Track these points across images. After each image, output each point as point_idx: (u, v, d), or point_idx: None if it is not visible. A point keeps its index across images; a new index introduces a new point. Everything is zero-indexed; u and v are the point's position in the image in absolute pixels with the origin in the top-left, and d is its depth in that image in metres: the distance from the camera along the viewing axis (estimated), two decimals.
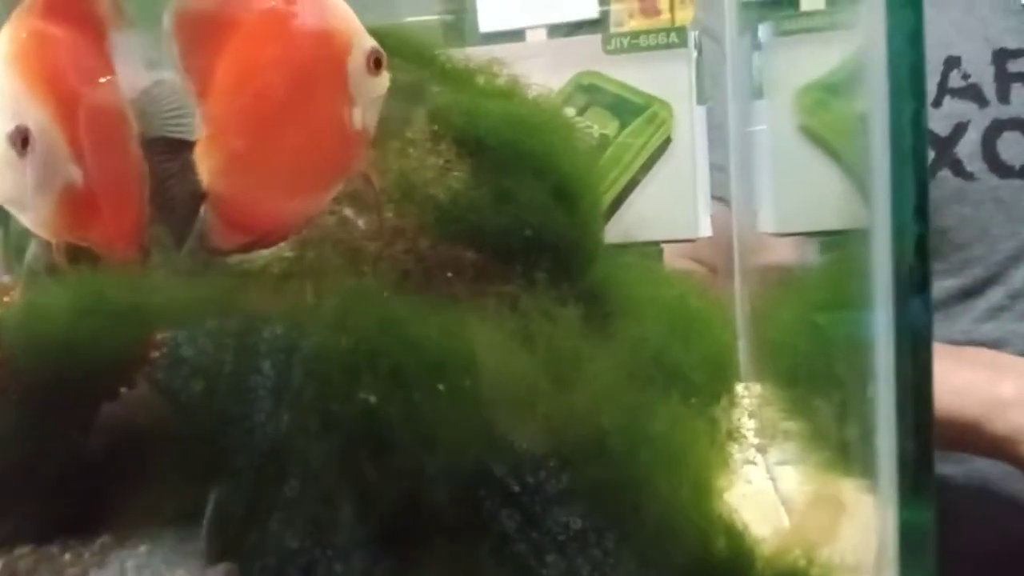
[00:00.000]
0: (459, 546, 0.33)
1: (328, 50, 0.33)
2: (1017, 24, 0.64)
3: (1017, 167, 0.63)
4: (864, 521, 0.28)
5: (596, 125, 0.55)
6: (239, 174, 0.33)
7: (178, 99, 0.35)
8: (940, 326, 0.64)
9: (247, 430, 0.34)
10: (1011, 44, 0.64)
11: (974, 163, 0.63)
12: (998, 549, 0.61)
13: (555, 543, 0.32)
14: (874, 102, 0.25)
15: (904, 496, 0.26)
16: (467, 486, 0.32)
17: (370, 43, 0.33)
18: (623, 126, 0.55)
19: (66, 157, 0.35)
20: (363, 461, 0.33)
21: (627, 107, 0.55)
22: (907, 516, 0.25)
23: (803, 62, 0.50)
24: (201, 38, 0.34)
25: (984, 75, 0.64)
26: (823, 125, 0.48)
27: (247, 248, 0.34)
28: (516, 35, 0.60)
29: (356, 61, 0.33)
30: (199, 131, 0.34)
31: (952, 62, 0.64)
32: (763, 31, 0.54)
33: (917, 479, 0.26)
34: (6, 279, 0.45)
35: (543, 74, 0.50)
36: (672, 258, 0.63)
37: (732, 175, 0.60)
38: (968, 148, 0.64)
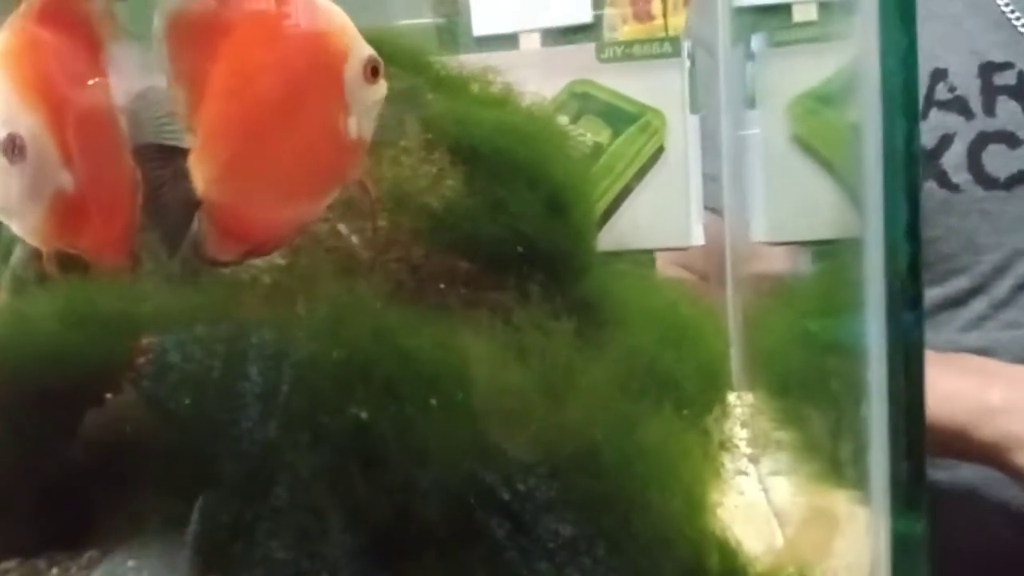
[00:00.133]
0: (450, 558, 0.33)
1: (323, 58, 0.33)
2: (1003, 38, 0.65)
3: (1002, 179, 0.64)
4: (857, 534, 0.28)
5: (589, 133, 0.55)
6: (234, 182, 0.33)
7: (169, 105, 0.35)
8: (925, 335, 0.65)
9: (234, 440, 0.33)
10: (997, 58, 0.65)
11: (960, 175, 0.64)
12: (985, 554, 0.61)
13: (547, 556, 0.31)
14: (867, 117, 0.25)
15: (897, 508, 0.26)
16: (458, 498, 0.32)
17: (367, 51, 0.33)
18: (616, 134, 0.55)
19: (57, 164, 0.35)
20: (352, 473, 0.32)
21: (620, 116, 0.55)
22: (900, 528, 0.25)
23: (796, 73, 0.50)
24: (193, 44, 0.34)
25: (970, 88, 0.65)
26: (815, 135, 0.48)
27: (243, 257, 0.34)
28: (510, 39, 0.60)
29: (352, 69, 0.33)
30: (188, 138, 0.33)
31: (939, 75, 0.65)
32: (756, 41, 0.54)
33: (910, 492, 0.26)
34: None
35: (537, 82, 0.50)
36: (664, 266, 0.63)
37: (725, 184, 0.60)
38: (954, 160, 0.64)
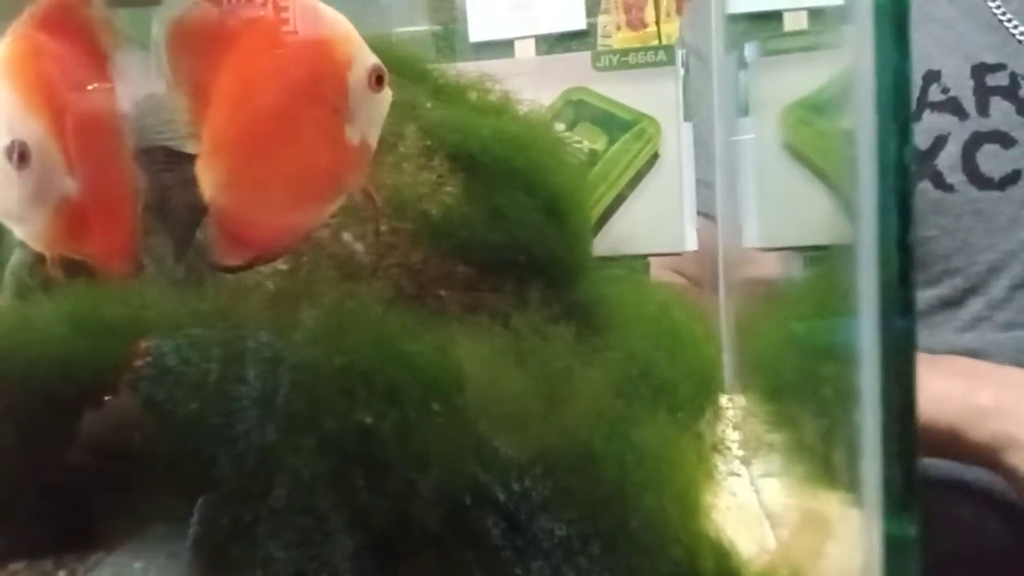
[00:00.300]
0: (448, 560, 0.33)
1: (327, 66, 0.33)
2: (996, 40, 0.66)
3: (996, 179, 0.64)
4: (849, 536, 0.28)
5: (585, 140, 0.56)
6: (241, 188, 0.33)
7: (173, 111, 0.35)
8: (920, 336, 0.65)
9: (238, 444, 0.34)
10: (990, 59, 0.65)
11: (954, 175, 0.64)
12: (979, 554, 0.62)
13: (543, 558, 0.32)
14: (860, 126, 0.26)
15: (889, 511, 0.26)
16: (455, 500, 0.33)
17: (372, 60, 0.34)
18: (612, 142, 0.56)
19: (61, 170, 0.35)
20: (352, 477, 0.33)
21: (615, 123, 0.56)
22: (892, 531, 0.26)
23: (788, 81, 0.51)
24: (196, 51, 0.34)
25: (963, 89, 0.65)
26: (807, 143, 0.49)
27: (250, 263, 0.34)
28: (505, 46, 0.61)
29: (357, 77, 0.33)
30: (191, 144, 0.34)
31: (932, 76, 0.66)
32: (748, 50, 0.55)
33: (902, 494, 0.26)
34: None
35: (533, 90, 0.51)
36: (658, 271, 0.64)
37: (718, 191, 0.61)
38: (948, 160, 0.65)
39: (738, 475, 0.48)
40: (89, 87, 0.37)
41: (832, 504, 0.33)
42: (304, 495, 0.33)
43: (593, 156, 0.56)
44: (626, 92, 0.56)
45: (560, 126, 0.56)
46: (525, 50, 0.60)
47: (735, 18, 0.59)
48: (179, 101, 0.34)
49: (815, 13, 0.54)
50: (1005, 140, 0.64)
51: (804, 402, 0.40)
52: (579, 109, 0.56)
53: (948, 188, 0.65)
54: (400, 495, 0.32)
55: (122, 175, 0.36)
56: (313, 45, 0.34)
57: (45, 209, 0.35)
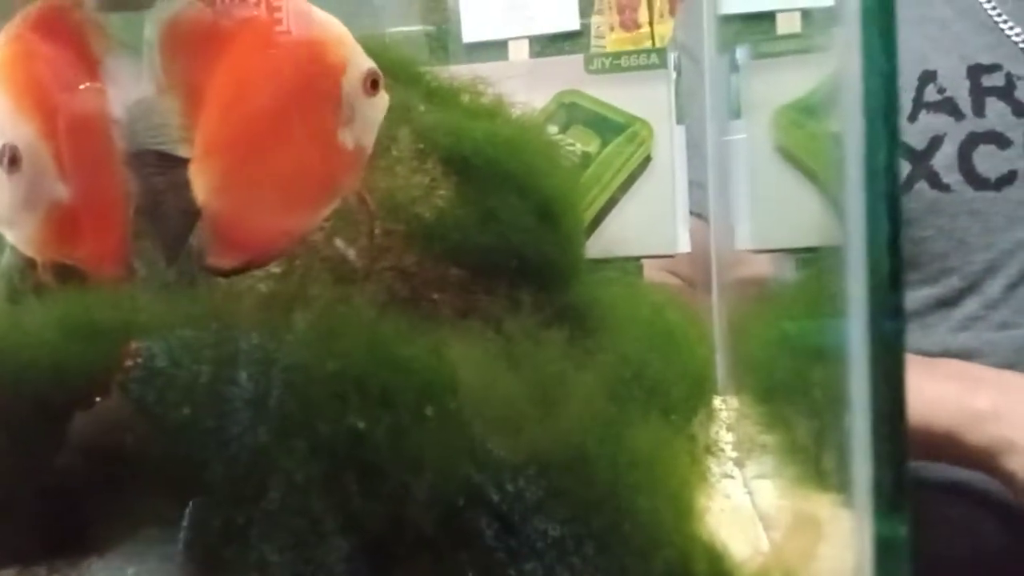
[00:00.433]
0: (441, 563, 0.33)
1: (320, 69, 0.33)
2: (991, 41, 0.66)
3: (992, 179, 0.64)
4: (841, 537, 0.29)
5: (578, 143, 0.56)
6: (234, 192, 0.33)
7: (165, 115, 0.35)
8: (915, 336, 0.66)
9: (230, 448, 0.34)
10: (985, 60, 0.65)
11: (950, 175, 0.65)
12: (969, 552, 0.62)
13: (536, 560, 0.32)
14: (849, 129, 0.26)
15: (879, 512, 0.26)
16: (445, 503, 0.33)
17: (367, 64, 0.33)
18: (604, 144, 0.56)
19: (53, 175, 0.35)
20: (345, 480, 0.33)
21: (608, 126, 0.56)
22: (883, 531, 0.26)
23: (779, 84, 0.51)
24: (187, 55, 0.34)
25: (959, 89, 0.65)
26: (798, 146, 0.49)
27: (245, 267, 0.34)
28: (499, 46, 0.61)
29: (351, 81, 0.33)
30: (183, 148, 0.34)
31: (928, 77, 0.66)
32: (740, 53, 0.55)
33: (893, 495, 0.26)
34: None
35: (526, 93, 0.51)
36: (651, 272, 0.64)
37: (710, 192, 0.61)
38: (944, 161, 0.65)
39: (732, 477, 0.48)
40: (81, 91, 0.37)
41: (824, 505, 0.34)
42: (296, 498, 0.33)
43: (586, 159, 0.56)
44: (619, 95, 0.56)
45: (553, 129, 0.56)
46: (519, 51, 0.61)
47: (728, 19, 0.59)
48: (171, 104, 0.34)
49: (807, 15, 0.55)
50: (1001, 140, 0.65)
51: (796, 404, 0.40)
52: (572, 112, 0.57)
53: (944, 188, 0.65)
54: (392, 498, 0.32)
55: (113, 179, 0.36)
56: (306, 48, 0.33)
57: (36, 213, 0.35)
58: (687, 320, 0.55)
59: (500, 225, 0.43)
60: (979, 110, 0.65)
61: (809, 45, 0.49)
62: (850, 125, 0.26)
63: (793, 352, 0.41)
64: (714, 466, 0.48)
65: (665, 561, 0.31)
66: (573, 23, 0.64)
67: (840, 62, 0.27)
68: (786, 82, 0.51)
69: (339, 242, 0.39)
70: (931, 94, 0.66)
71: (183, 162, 0.33)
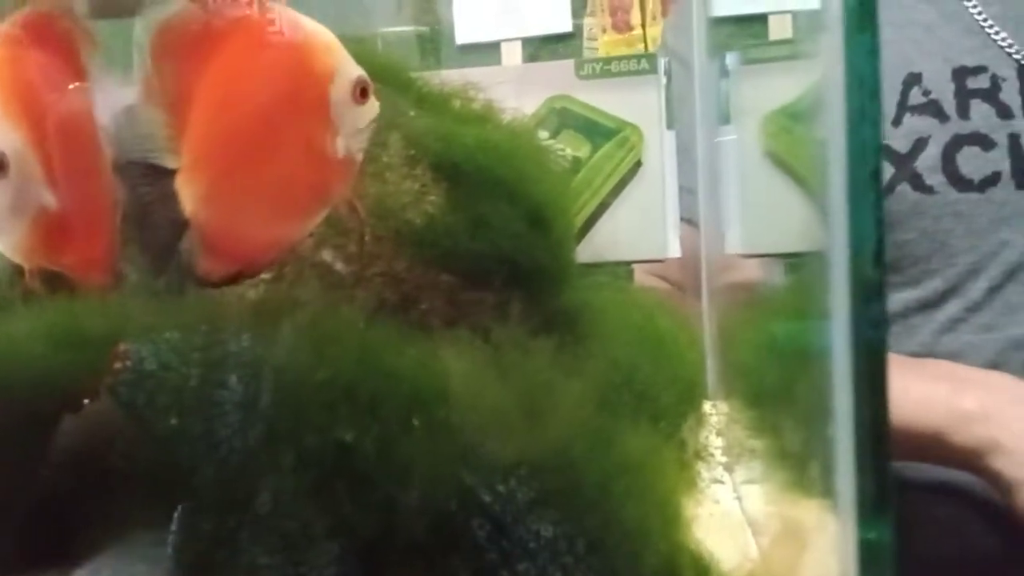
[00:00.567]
0: (430, 571, 0.33)
1: (308, 78, 0.33)
2: (976, 44, 0.66)
3: (976, 181, 0.65)
4: (826, 543, 0.29)
5: (569, 148, 0.56)
6: (222, 202, 0.33)
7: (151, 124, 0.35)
8: (899, 338, 0.66)
9: (217, 456, 0.33)
10: (970, 62, 0.66)
11: (934, 177, 0.65)
12: (957, 552, 0.62)
13: (522, 565, 0.32)
14: (832, 137, 0.27)
15: (863, 516, 0.27)
16: (433, 510, 0.33)
17: (355, 72, 0.33)
18: (595, 149, 0.57)
19: (40, 181, 0.35)
20: (330, 488, 0.33)
21: (599, 131, 0.56)
22: (866, 536, 0.26)
23: (769, 90, 0.52)
24: (176, 65, 0.34)
25: (944, 91, 0.66)
26: (787, 151, 0.50)
27: (235, 277, 0.34)
28: (492, 48, 0.61)
29: (340, 89, 0.33)
30: (170, 158, 0.34)
31: (913, 79, 0.66)
32: (730, 59, 0.55)
33: (876, 499, 0.26)
34: None
35: (517, 98, 0.51)
36: (642, 276, 0.64)
37: (700, 197, 0.62)
38: (928, 162, 0.65)
39: (721, 482, 0.49)
40: (69, 97, 0.37)
41: (812, 511, 0.34)
42: (285, 504, 0.33)
43: (576, 164, 0.56)
44: (609, 100, 0.56)
45: (544, 134, 0.56)
46: (511, 52, 0.61)
47: (719, 22, 0.60)
48: (158, 113, 0.34)
49: (798, 18, 0.55)
50: (985, 142, 0.65)
51: (783, 408, 0.40)
52: (562, 117, 0.57)
53: (928, 190, 0.65)
54: (379, 507, 0.32)
55: (102, 186, 0.36)
56: (294, 56, 0.33)
57: (23, 220, 0.35)
58: (677, 325, 0.55)
59: (490, 231, 0.44)
60: (964, 112, 0.65)
61: (797, 51, 0.50)
62: (833, 131, 0.27)
63: (780, 356, 0.41)
64: (704, 471, 0.48)
65: (653, 570, 0.31)
66: (566, 25, 0.64)
67: (825, 68, 0.27)
68: (775, 87, 0.51)
69: (327, 254, 0.39)
70: (916, 97, 0.66)
71: (170, 173, 0.33)
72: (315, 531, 0.33)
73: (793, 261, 0.47)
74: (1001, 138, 0.65)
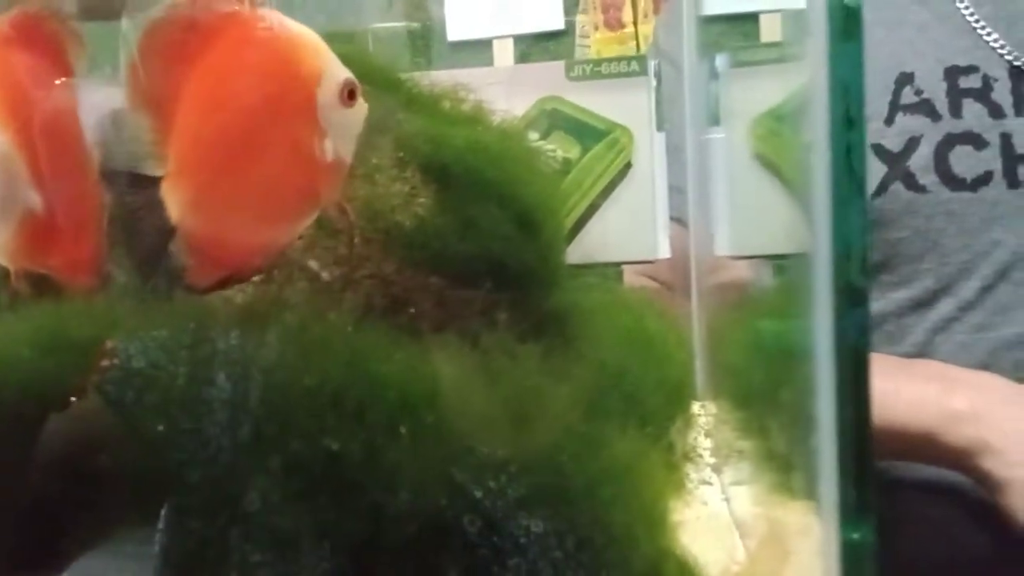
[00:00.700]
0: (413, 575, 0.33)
1: (295, 81, 0.33)
2: (968, 44, 0.67)
3: (968, 180, 0.65)
4: (811, 544, 0.29)
5: (559, 149, 0.57)
6: (209, 208, 0.33)
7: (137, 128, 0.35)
8: (891, 337, 0.66)
9: (203, 459, 0.33)
10: (962, 62, 0.66)
11: (926, 176, 0.65)
12: (945, 551, 0.63)
13: (509, 571, 0.32)
14: (817, 140, 0.27)
15: (845, 518, 0.27)
16: (419, 514, 0.33)
17: (343, 74, 0.33)
18: (585, 151, 0.57)
19: (26, 183, 0.35)
20: (317, 494, 0.33)
21: (589, 132, 0.57)
22: (848, 537, 0.27)
23: (758, 92, 0.52)
24: (161, 70, 0.33)
25: (936, 91, 0.66)
26: (775, 153, 0.50)
27: (223, 283, 0.34)
28: (484, 45, 0.61)
29: (327, 92, 0.32)
30: (155, 164, 0.33)
31: (905, 79, 0.66)
32: (720, 61, 0.56)
33: (857, 500, 0.27)
34: None
35: (507, 100, 0.51)
36: (631, 276, 0.65)
37: (689, 198, 0.62)
38: (921, 162, 0.65)
39: (710, 483, 0.49)
40: (55, 100, 0.37)
41: (797, 513, 0.34)
42: (273, 507, 0.33)
43: (566, 165, 0.57)
44: (599, 101, 0.57)
45: (534, 135, 0.56)
46: (503, 49, 0.61)
47: (710, 21, 0.60)
48: (144, 119, 0.34)
49: (786, 21, 0.55)
50: (977, 142, 0.65)
51: (770, 410, 0.40)
52: (553, 118, 0.57)
53: (920, 189, 0.65)
54: (366, 513, 0.32)
55: (88, 188, 0.36)
56: (279, 60, 0.33)
57: (9, 222, 0.35)
58: (666, 325, 0.56)
59: (480, 232, 0.44)
60: (956, 111, 0.66)
61: (785, 53, 0.50)
62: (818, 136, 0.27)
63: (767, 358, 0.41)
64: (692, 472, 0.49)
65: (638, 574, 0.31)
66: (558, 22, 0.64)
67: (810, 71, 0.27)
68: (764, 90, 0.51)
69: (313, 263, 0.39)
70: (908, 96, 0.66)
71: (156, 181, 0.33)
72: (302, 532, 0.33)
73: (781, 262, 0.47)
74: (993, 137, 0.65)
